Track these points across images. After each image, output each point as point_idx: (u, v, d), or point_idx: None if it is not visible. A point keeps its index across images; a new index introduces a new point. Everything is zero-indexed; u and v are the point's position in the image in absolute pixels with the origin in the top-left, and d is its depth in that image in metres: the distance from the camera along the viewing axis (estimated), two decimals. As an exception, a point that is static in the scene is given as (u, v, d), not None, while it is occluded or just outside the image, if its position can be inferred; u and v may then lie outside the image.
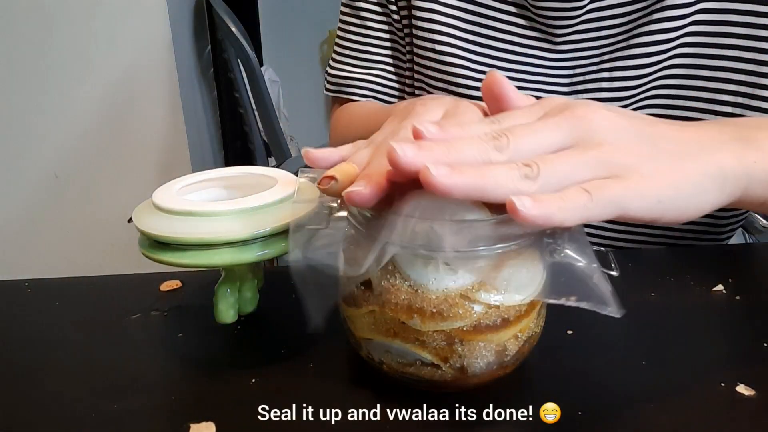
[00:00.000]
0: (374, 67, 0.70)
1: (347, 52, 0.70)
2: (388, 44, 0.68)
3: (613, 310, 0.32)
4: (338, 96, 0.72)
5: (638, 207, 0.33)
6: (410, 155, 0.31)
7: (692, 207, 0.34)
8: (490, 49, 0.62)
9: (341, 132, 0.70)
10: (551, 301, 0.34)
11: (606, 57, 0.59)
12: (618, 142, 0.34)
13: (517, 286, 0.34)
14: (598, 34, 0.59)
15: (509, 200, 0.30)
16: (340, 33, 0.71)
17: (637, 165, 0.33)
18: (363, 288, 0.36)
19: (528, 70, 0.61)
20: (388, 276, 0.34)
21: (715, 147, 0.36)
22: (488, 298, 0.34)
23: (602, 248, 0.34)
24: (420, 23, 0.63)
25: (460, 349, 0.34)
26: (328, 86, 0.73)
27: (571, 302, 0.33)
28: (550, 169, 0.32)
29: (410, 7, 0.64)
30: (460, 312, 0.34)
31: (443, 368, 0.35)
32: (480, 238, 0.33)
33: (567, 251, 0.32)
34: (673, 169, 0.34)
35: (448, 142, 0.32)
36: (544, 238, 0.33)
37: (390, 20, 0.67)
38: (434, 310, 0.34)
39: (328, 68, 0.73)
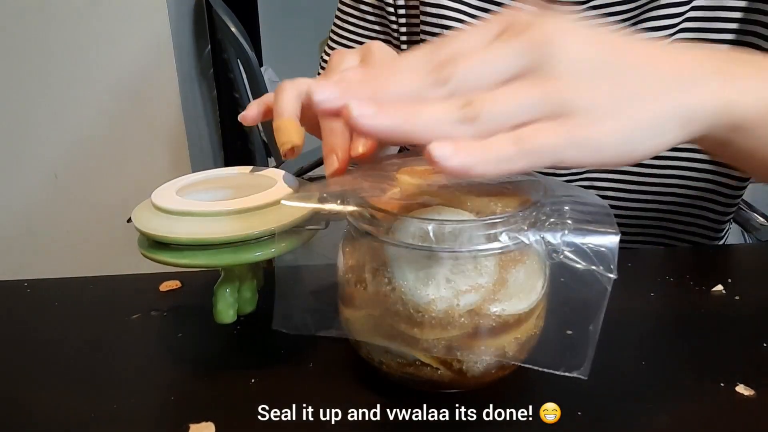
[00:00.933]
0: None
1: (344, 42, 0.70)
2: (382, 37, 0.69)
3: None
4: None
5: (574, 156, 0.30)
6: (328, 94, 0.29)
7: (642, 150, 0.32)
8: None
9: None
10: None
11: None
12: (575, 76, 0.30)
13: (519, 296, 0.34)
14: None
15: (429, 147, 0.28)
16: (337, 22, 0.71)
17: (588, 107, 0.30)
18: (363, 290, 0.36)
19: None
20: (388, 286, 0.34)
21: (689, 83, 0.32)
22: (490, 309, 0.34)
23: (602, 249, 0.34)
24: (429, 18, 0.63)
25: (459, 353, 0.34)
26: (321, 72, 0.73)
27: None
28: (492, 109, 0.29)
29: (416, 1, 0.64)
30: (462, 321, 0.33)
31: (443, 370, 0.35)
32: (479, 238, 0.33)
33: (567, 253, 0.32)
34: (629, 111, 0.31)
35: (374, 80, 0.30)
36: (545, 241, 0.33)
37: (383, 13, 0.67)
38: (434, 323, 0.33)
39: (323, 54, 0.73)
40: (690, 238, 0.64)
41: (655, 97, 0.31)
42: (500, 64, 0.30)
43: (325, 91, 0.29)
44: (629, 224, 0.63)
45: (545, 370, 0.34)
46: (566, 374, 0.33)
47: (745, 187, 0.63)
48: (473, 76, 0.30)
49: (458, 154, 0.28)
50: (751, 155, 0.35)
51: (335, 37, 0.72)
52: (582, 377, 0.33)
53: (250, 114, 0.41)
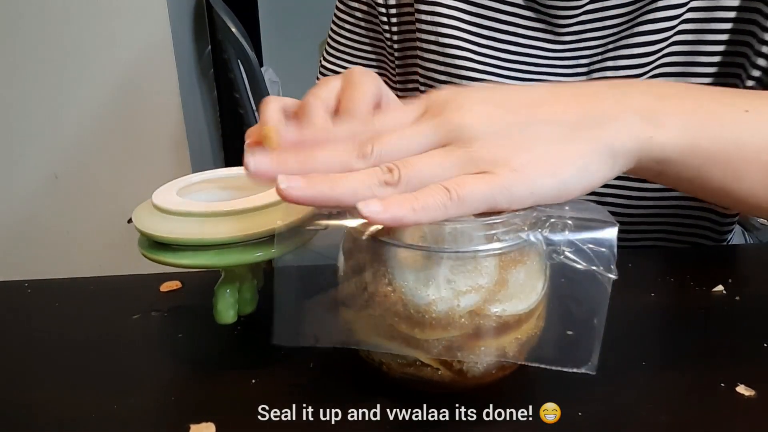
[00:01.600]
0: (368, 65, 0.70)
1: (342, 48, 0.71)
2: (374, 46, 0.69)
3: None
4: None
5: (508, 201, 0.33)
6: (263, 167, 0.32)
7: (576, 187, 0.34)
8: (493, 40, 0.62)
9: None
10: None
11: (610, 47, 0.59)
12: (488, 137, 0.33)
13: (520, 296, 0.34)
14: (602, 24, 0.59)
15: (357, 206, 0.30)
16: (334, 27, 0.71)
17: (507, 158, 0.33)
18: (363, 290, 0.36)
19: (532, 61, 0.62)
20: (388, 287, 0.34)
21: (606, 122, 0.34)
22: (490, 310, 0.34)
23: (602, 249, 0.34)
24: (424, 16, 0.63)
25: (460, 353, 0.34)
26: (321, 77, 0.73)
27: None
28: (413, 171, 0.32)
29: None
30: (463, 322, 0.33)
31: (443, 370, 0.35)
32: (479, 239, 0.33)
33: (567, 254, 0.32)
34: (549, 156, 0.33)
35: (305, 152, 0.33)
36: (545, 242, 0.33)
37: (377, 21, 0.67)
38: (434, 323, 0.33)
39: (322, 59, 0.74)
40: (694, 240, 0.64)
41: (574, 139, 0.34)
42: (416, 140, 0.34)
43: (258, 161, 0.32)
44: (632, 230, 0.62)
45: (552, 367, 0.34)
46: (574, 371, 0.33)
47: None
48: (393, 150, 0.33)
49: (388, 208, 0.30)
50: (689, 182, 0.37)
51: (332, 42, 0.72)
52: (590, 373, 0.33)
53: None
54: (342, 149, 0.33)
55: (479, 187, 0.32)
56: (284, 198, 0.31)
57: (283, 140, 0.34)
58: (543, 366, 0.34)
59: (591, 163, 0.34)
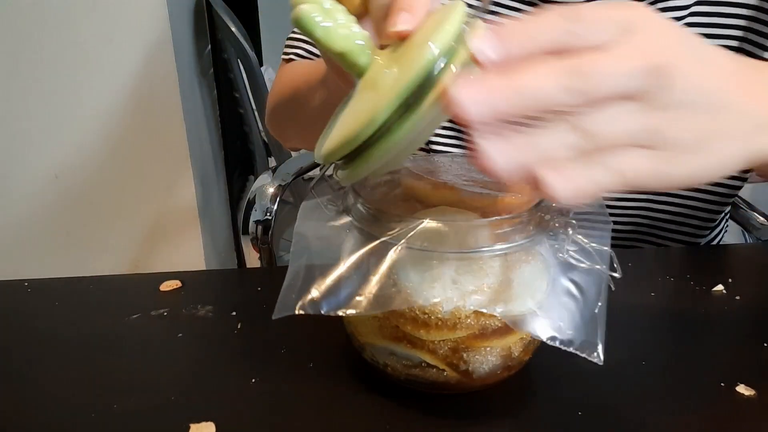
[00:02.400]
0: None
1: None
2: None
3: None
4: (290, 56, 0.72)
5: (657, 186, 0.32)
6: (472, 106, 0.28)
7: (705, 180, 0.34)
8: None
9: (282, 87, 0.69)
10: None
11: None
12: (686, 109, 0.32)
13: (525, 296, 0.34)
14: None
15: (546, 180, 0.29)
16: None
17: (677, 142, 0.32)
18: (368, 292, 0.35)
19: None
20: (393, 288, 0.34)
21: (766, 126, 0.34)
22: (496, 310, 0.34)
23: (605, 248, 0.34)
24: None
25: (466, 354, 0.34)
26: (287, 49, 0.72)
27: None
28: (599, 140, 0.30)
29: None
30: (468, 322, 0.33)
31: (448, 371, 0.35)
32: (484, 239, 0.33)
33: (571, 253, 0.32)
34: (715, 150, 0.33)
35: (512, 77, 0.29)
36: (548, 240, 0.33)
37: None
38: (440, 324, 0.33)
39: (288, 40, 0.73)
40: (679, 238, 0.64)
41: (736, 138, 0.34)
42: (622, 79, 0.31)
43: (468, 95, 0.29)
44: (618, 229, 0.63)
45: (564, 348, 0.33)
46: (584, 356, 0.33)
47: (739, 188, 0.63)
48: (599, 87, 0.31)
49: (569, 185, 0.29)
50: None
51: None
52: (596, 362, 0.33)
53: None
54: (551, 71, 0.30)
55: (642, 172, 0.31)
56: (483, 170, 0.29)
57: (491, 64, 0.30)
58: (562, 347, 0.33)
59: (736, 164, 0.34)
